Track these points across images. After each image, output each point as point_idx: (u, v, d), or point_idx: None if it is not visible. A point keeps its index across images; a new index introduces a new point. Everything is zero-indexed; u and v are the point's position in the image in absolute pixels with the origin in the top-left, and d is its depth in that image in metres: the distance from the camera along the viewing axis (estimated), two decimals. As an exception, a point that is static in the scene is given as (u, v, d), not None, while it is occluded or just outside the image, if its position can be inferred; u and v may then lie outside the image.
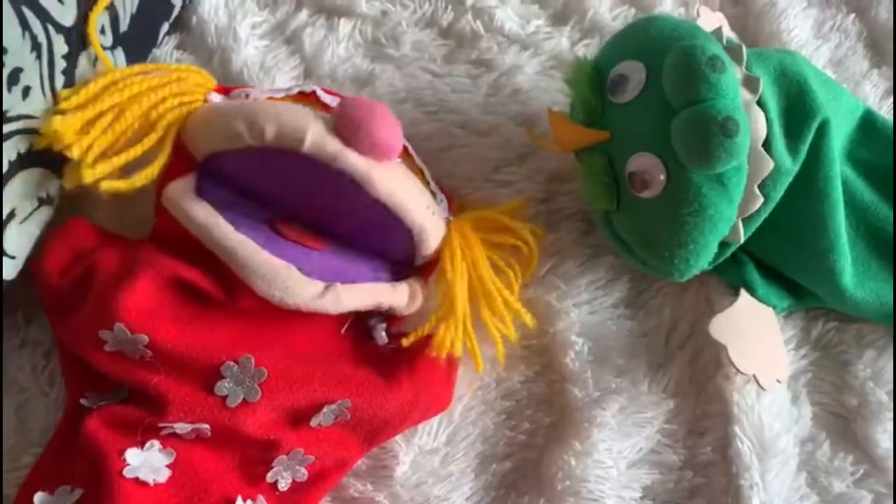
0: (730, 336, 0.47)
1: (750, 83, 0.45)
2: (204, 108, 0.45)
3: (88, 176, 0.42)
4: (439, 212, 0.47)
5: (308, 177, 0.42)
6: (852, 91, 0.56)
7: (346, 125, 0.41)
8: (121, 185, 0.43)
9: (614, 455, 0.48)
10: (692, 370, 0.50)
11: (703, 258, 0.45)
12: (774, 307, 0.49)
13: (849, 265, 0.48)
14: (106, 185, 0.42)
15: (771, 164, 0.44)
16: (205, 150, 0.44)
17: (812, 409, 0.50)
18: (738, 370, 0.47)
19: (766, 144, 0.45)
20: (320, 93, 0.46)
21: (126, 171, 0.44)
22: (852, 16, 0.60)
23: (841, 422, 0.50)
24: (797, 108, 0.46)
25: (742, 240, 0.46)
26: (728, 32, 0.51)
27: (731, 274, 0.50)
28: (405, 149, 0.46)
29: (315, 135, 0.41)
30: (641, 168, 0.44)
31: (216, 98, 0.46)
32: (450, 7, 0.58)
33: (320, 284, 0.42)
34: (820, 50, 0.59)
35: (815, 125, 0.46)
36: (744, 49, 0.46)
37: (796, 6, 0.59)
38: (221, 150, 0.43)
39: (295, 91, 0.46)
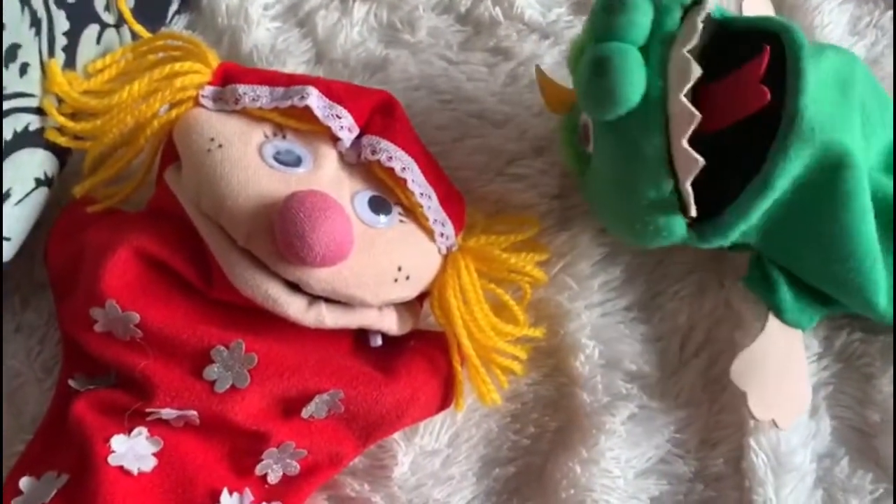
0: (751, 380, 0.44)
1: (688, 29, 0.40)
2: (184, 125, 0.43)
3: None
4: (427, 261, 0.45)
5: None
6: (887, 90, 0.53)
7: (279, 242, 0.39)
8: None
9: (622, 464, 0.46)
10: (706, 378, 0.48)
11: (646, 223, 0.42)
12: (803, 328, 0.47)
13: (884, 284, 0.45)
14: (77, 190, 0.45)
15: (698, 117, 0.38)
16: None
17: (832, 424, 0.48)
18: (755, 419, 0.45)
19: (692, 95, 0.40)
20: (315, 103, 0.44)
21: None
22: (890, 12, 0.58)
23: (862, 437, 0.48)
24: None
25: (692, 212, 0.41)
26: None
27: (761, 291, 0.47)
28: (402, 182, 0.44)
29: (249, 238, 0.40)
30: (583, 121, 0.45)
31: (207, 96, 0.44)
32: (469, -8, 0.57)
33: (304, 300, 0.41)
34: (855, 47, 0.56)
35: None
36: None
37: (832, 1, 0.57)
38: None
39: (286, 104, 0.44)
